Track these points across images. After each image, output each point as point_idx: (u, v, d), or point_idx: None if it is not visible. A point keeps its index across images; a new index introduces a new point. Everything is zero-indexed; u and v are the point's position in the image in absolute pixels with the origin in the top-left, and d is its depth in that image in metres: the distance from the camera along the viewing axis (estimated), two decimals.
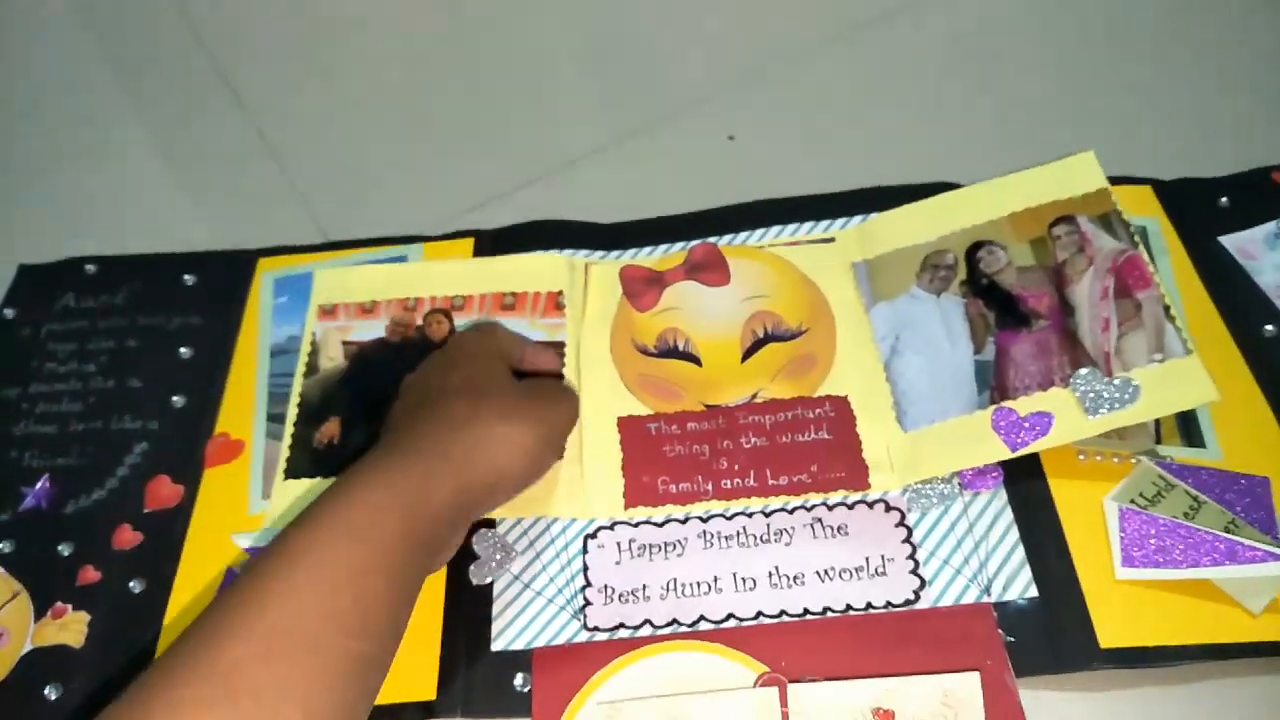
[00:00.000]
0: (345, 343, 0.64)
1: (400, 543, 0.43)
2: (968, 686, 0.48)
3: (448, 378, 0.52)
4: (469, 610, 0.53)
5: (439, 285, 0.66)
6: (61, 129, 0.84)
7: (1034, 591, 0.51)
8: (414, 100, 0.83)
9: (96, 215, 0.77)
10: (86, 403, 0.64)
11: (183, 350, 0.66)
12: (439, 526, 0.46)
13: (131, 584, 0.56)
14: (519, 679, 0.51)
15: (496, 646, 0.52)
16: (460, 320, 0.64)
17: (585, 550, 0.55)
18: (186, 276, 0.70)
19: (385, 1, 0.92)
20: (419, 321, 0.64)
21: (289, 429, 0.60)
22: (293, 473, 0.58)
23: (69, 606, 0.56)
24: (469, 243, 0.70)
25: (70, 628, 0.55)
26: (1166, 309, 0.56)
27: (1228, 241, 0.65)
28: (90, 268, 0.71)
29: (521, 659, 0.51)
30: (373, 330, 0.64)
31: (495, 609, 0.53)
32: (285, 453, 0.59)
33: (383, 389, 0.57)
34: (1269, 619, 0.49)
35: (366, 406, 0.60)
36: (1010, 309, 0.60)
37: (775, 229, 0.69)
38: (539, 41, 0.87)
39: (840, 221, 0.68)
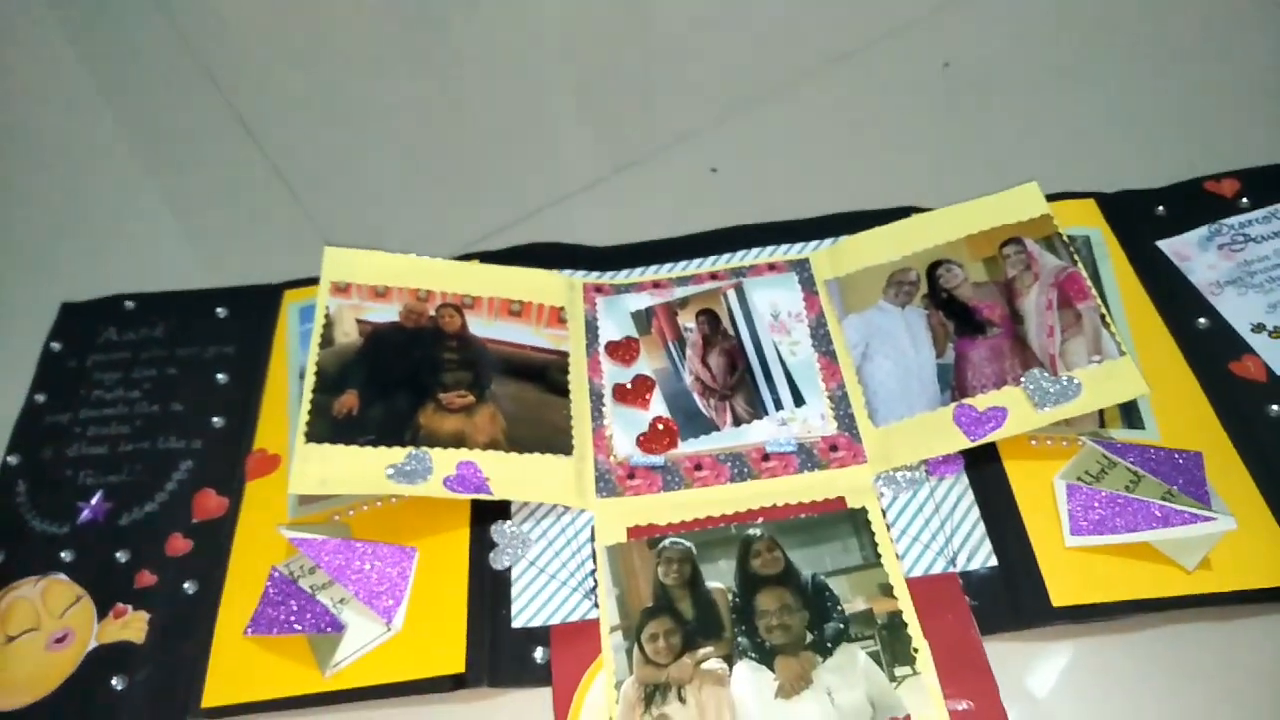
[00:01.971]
0: (359, 321, 0.68)
1: None
2: None
3: None
4: (491, 593, 0.59)
5: (451, 282, 0.71)
6: (92, 179, 0.91)
7: (994, 561, 0.58)
8: (423, 143, 0.90)
9: (131, 256, 0.84)
10: (133, 425, 0.70)
11: (219, 376, 0.73)
12: None
13: (185, 585, 0.62)
14: (539, 652, 0.57)
15: (517, 624, 0.58)
16: (471, 317, 0.69)
17: (593, 538, 0.61)
18: (219, 309, 0.77)
19: (397, 53, 1.00)
20: (431, 312, 0.69)
21: (307, 395, 0.64)
22: (314, 437, 0.62)
23: (129, 607, 0.62)
24: (474, 263, 0.76)
25: (132, 625, 0.61)
26: (1102, 317, 0.63)
27: (1164, 245, 0.72)
28: (129, 304, 0.78)
29: (540, 635, 0.57)
30: (385, 313, 0.68)
31: (515, 591, 0.59)
32: (305, 417, 0.63)
33: (398, 368, 0.63)
34: (1201, 574, 0.55)
35: (383, 384, 0.65)
36: (967, 319, 0.67)
37: (755, 251, 0.76)
38: (535, 88, 0.95)
39: (814, 244, 0.75)
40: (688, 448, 0.65)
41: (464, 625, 0.58)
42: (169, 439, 0.70)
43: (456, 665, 0.57)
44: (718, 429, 0.66)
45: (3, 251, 0.86)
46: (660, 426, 0.66)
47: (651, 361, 0.70)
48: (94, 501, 0.67)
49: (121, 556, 0.64)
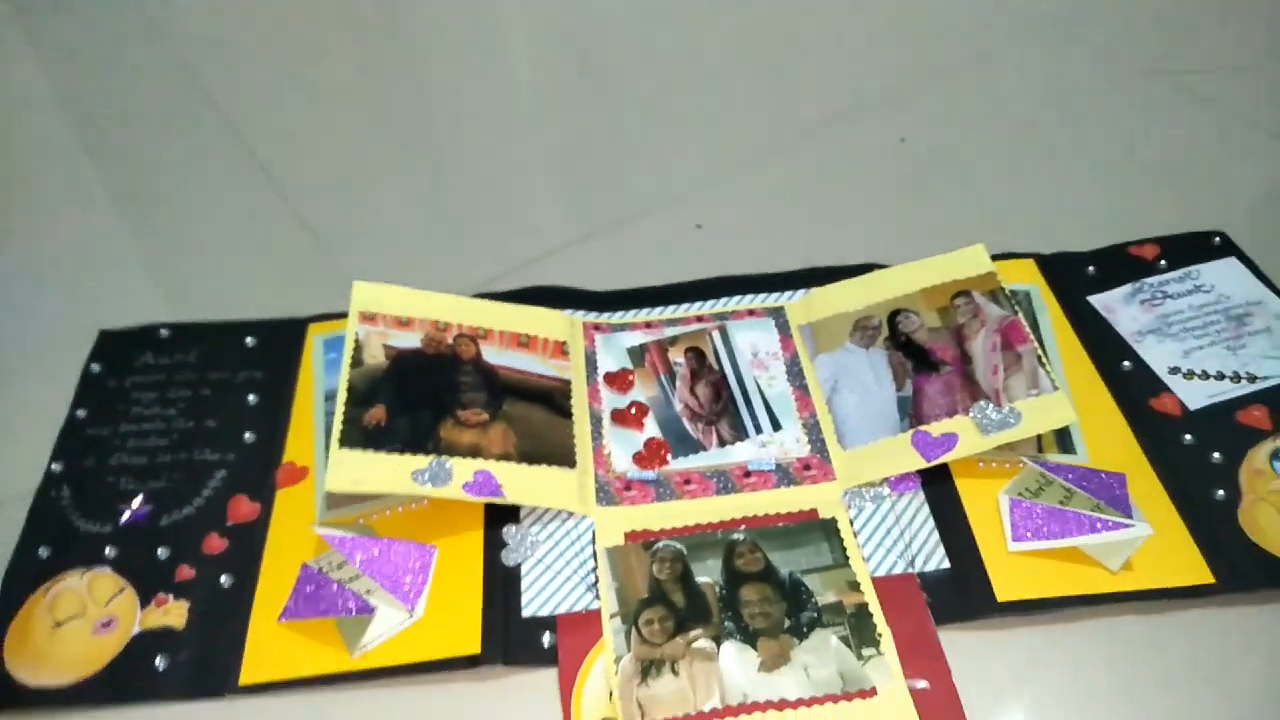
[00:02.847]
0: (385, 345, 0.75)
1: None
2: None
3: None
4: (503, 585, 0.66)
5: (466, 315, 0.79)
6: (128, 222, 0.99)
7: (947, 563, 0.66)
8: (436, 195, 1.00)
9: (164, 292, 0.91)
10: (170, 439, 0.77)
11: (250, 397, 0.80)
12: None
13: (222, 579, 0.68)
14: (546, 637, 0.64)
15: (526, 613, 0.65)
16: (485, 346, 0.77)
17: (594, 541, 0.68)
18: (248, 339, 0.84)
19: (414, 110, 1.10)
20: (449, 340, 0.77)
21: (340, 407, 0.70)
22: (347, 443, 0.69)
23: (170, 596, 0.67)
24: (486, 301, 0.84)
25: (173, 613, 0.67)
26: (1039, 358, 0.73)
27: (1094, 300, 0.82)
28: (164, 332, 0.85)
29: (547, 622, 0.64)
30: (409, 339, 0.76)
31: (524, 585, 0.66)
32: (339, 427, 0.69)
33: (420, 388, 0.72)
34: (1124, 575, 0.64)
35: (408, 400, 0.72)
36: (923, 359, 0.76)
37: (736, 298, 0.85)
38: (542, 148, 1.05)
39: (788, 294, 0.85)
40: (678, 465, 0.73)
41: (479, 613, 0.65)
42: (204, 451, 0.76)
43: (473, 647, 0.63)
44: (705, 449, 0.74)
45: (42, 282, 0.93)
46: (653, 445, 0.74)
47: (645, 390, 0.78)
48: (135, 505, 0.73)
49: (162, 553, 0.70)
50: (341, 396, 0.71)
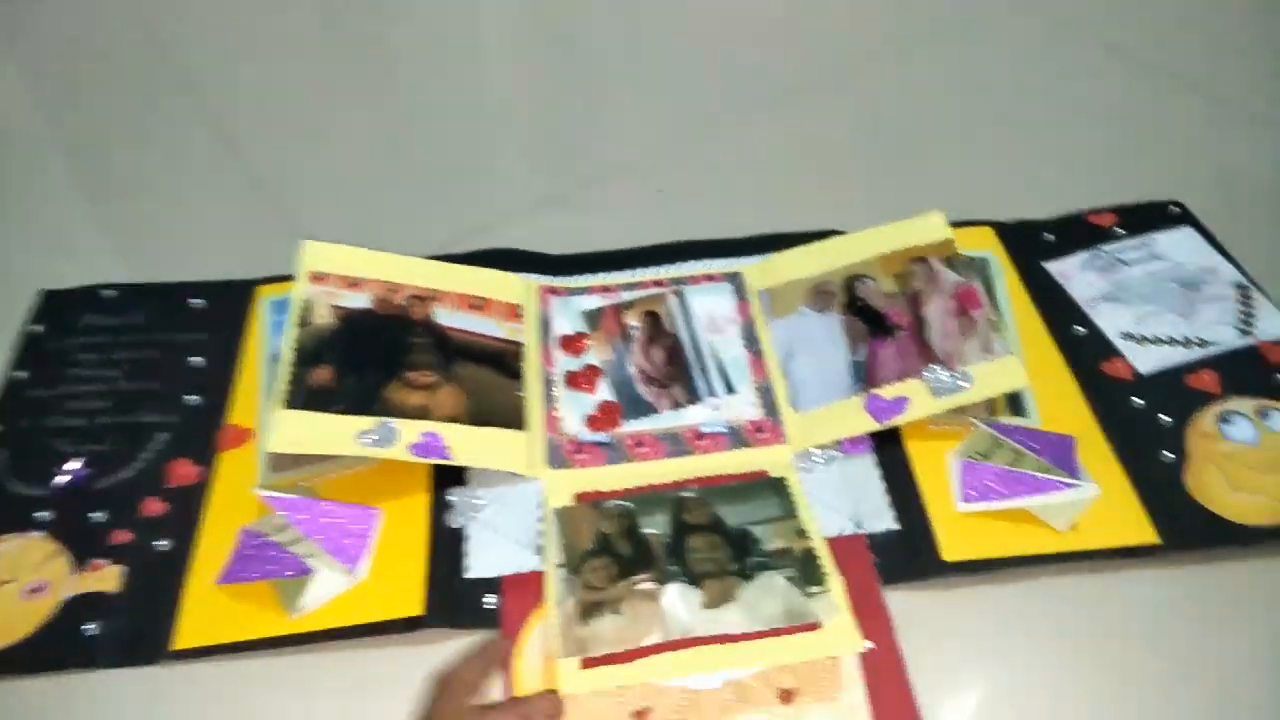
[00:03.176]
0: (334, 306, 0.73)
1: None
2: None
3: None
4: (447, 548, 0.65)
5: (418, 277, 0.77)
6: (73, 178, 0.97)
7: (895, 524, 0.66)
8: (394, 158, 0.98)
9: (114, 248, 0.89)
10: (112, 401, 0.75)
11: (194, 360, 0.78)
12: None
13: (159, 543, 0.67)
14: (489, 599, 0.63)
15: (470, 575, 0.64)
16: (437, 308, 0.75)
17: (543, 503, 0.67)
18: (195, 300, 0.82)
19: (375, 71, 1.08)
20: (400, 301, 0.75)
21: (286, 367, 0.69)
22: (291, 404, 0.67)
23: (105, 561, 0.66)
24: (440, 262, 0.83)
25: (107, 577, 0.65)
26: (993, 323, 0.73)
27: (1050, 267, 0.82)
28: (109, 293, 0.83)
29: (491, 584, 0.63)
30: (358, 300, 0.74)
31: (469, 547, 0.65)
32: (284, 387, 0.68)
33: (369, 348, 0.71)
34: (1071, 535, 0.64)
35: (356, 361, 0.71)
36: (878, 323, 0.76)
37: (694, 263, 0.84)
38: (503, 112, 1.04)
39: (746, 259, 0.84)
40: (630, 427, 0.72)
41: (423, 575, 0.64)
42: (146, 413, 0.75)
43: (415, 609, 0.62)
44: (657, 412, 0.73)
45: None
46: (606, 408, 0.73)
47: (599, 353, 0.77)
48: (72, 467, 0.71)
49: (98, 517, 0.68)
50: (287, 356, 0.70)
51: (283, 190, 0.95)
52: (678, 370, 0.76)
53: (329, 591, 0.63)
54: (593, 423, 0.72)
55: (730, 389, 0.75)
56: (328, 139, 1.01)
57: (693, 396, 0.74)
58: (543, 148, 1.01)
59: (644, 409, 0.73)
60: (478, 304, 0.78)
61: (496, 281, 0.80)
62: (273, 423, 0.66)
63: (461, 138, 1.00)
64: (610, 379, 0.75)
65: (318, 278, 0.75)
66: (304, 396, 0.68)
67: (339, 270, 0.75)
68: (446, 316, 0.76)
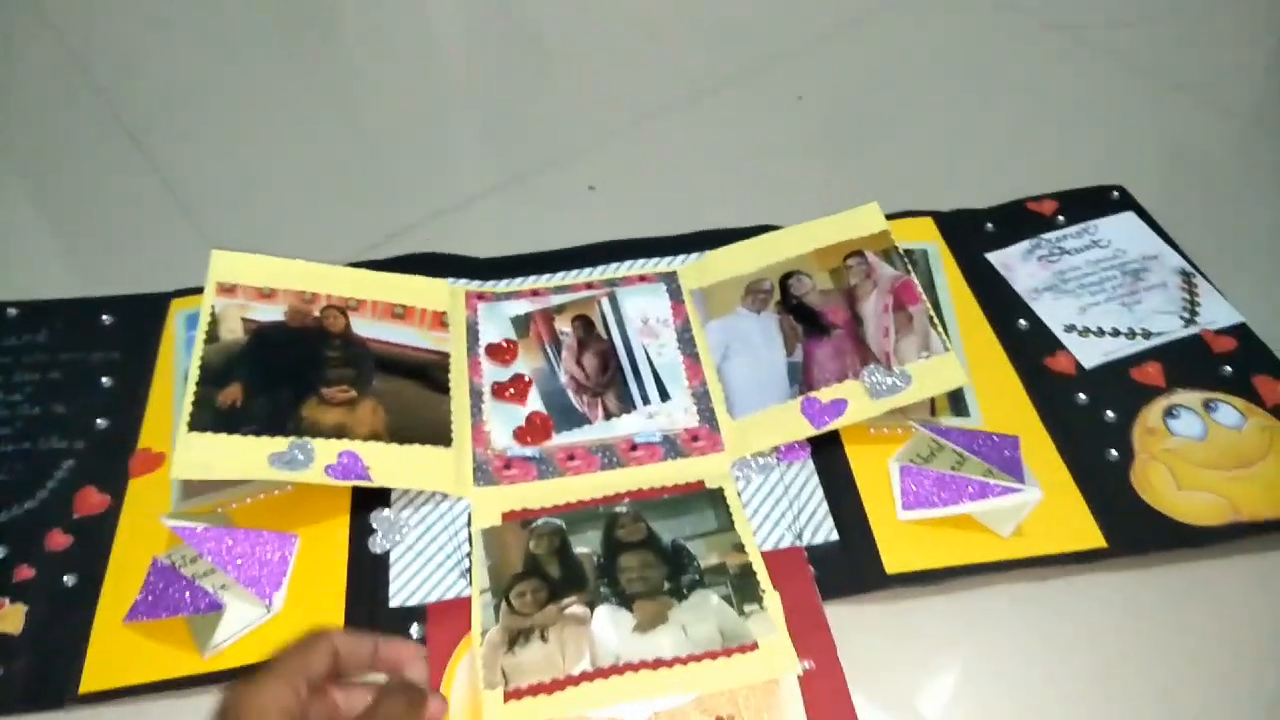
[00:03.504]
0: (245, 319, 0.70)
1: None
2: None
3: None
4: (369, 575, 0.62)
5: (336, 285, 0.74)
6: None
7: (835, 535, 0.63)
8: (311, 157, 0.94)
9: (15, 266, 0.84)
10: (14, 427, 0.71)
11: (104, 380, 0.74)
12: None
13: (65, 578, 0.63)
14: (414, 628, 0.60)
15: (394, 603, 0.61)
16: (356, 319, 0.72)
17: (470, 523, 0.65)
18: (104, 317, 0.78)
19: (287, 68, 1.03)
20: (316, 313, 0.71)
21: (191, 387, 0.66)
22: (197, 426, 0.63)
23: (6, 600, 0.62)
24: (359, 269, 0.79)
25: (8, 618, 0.61)
26: (931, 318, 0.71)
27: (992, 258, 0.80)
28: (11, 311, 0.79)
29: (416, 612, 0.60)
30: (271, 313, 0.71)
31: (393, 573, 0.62)
32: (188, 409, 0.64)
33: (282, 364, 0.67)
34: (1015, 541, 0.62)
35: (267, 378, 0.67)
36: (814, 322, 0.74)
37: (627, 263, 0.81)
38: (423, 106, 1.00)
39: (681, 257, 0.81)
40: (562, 440, 0.69)
41: (343, 605, 0.61)
42: (50, 439, 0.71)
43: None
44: (590, 422, 0.70)
45: None
46: (536, 420, 0.70)
47: (529, 362, 0.74)
48: None
49: None
50: (193, 375, 0.66)
51: (198, 195, 0.90)
52: (610, 378, 0.73)
53: (243, 626, 0.60)
54: (521, 436, 0.69)
55: (665, 395, 0.72)
56: (244, 139, 0.97)
57: (626, 404, 0.71)
58: (467, 145, 0.97)
59: (576, 420, 0.71)
60: (400, 313, 0.74)
61: (420, 288, 0.76)
62: (177, 448, 0.63)
63: (380, 136, 0.96)
64: (540, 389, 0.72)
65: (226, 289, 0.71)
66: (212, 418, 0.64)
67: (250, 281, 0.72)
68: (366, 327, 0.72)
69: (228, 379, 0.67)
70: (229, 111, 1.00)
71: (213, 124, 0.98)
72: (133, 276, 0.82)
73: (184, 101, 1.01)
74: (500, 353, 0.74)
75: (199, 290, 0.78)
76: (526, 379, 0.73)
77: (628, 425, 0.70)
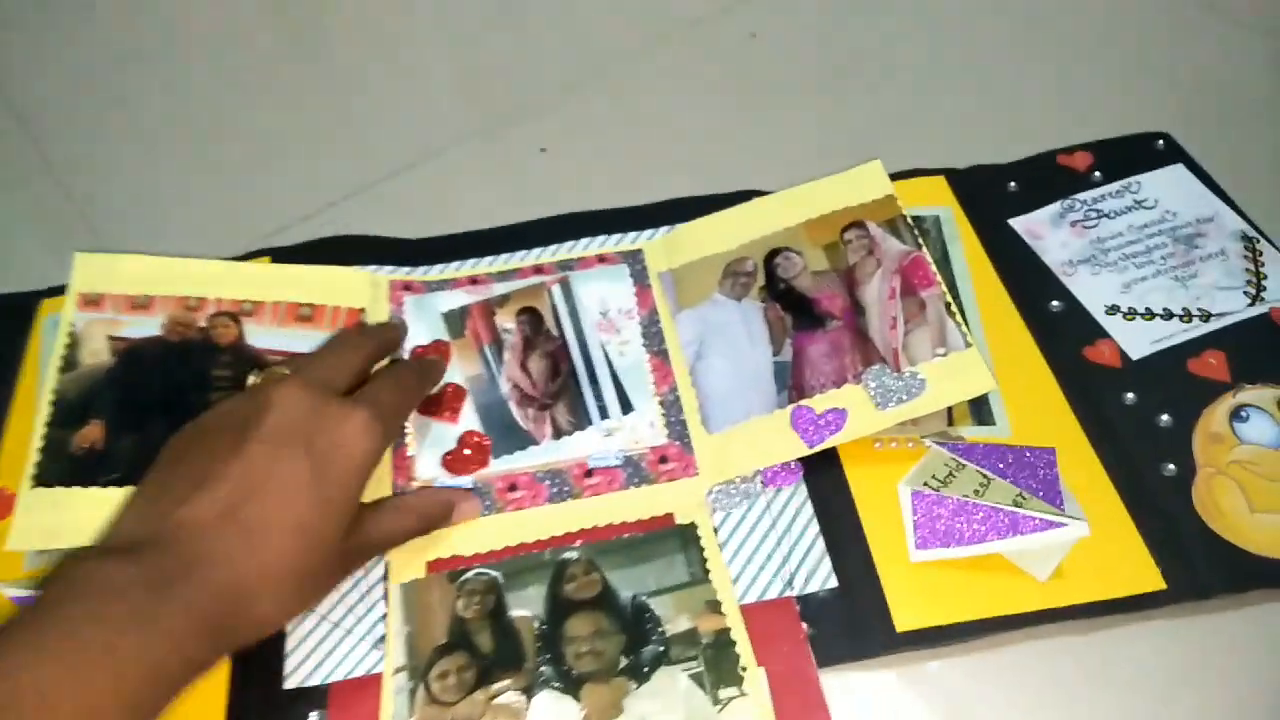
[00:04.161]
0: (113, 338, 0.59)
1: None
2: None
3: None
4: (259, 648, 0.50)
5: (227, 287, 0.62)
6: None
7: (834, 582, 0.52)
8: (208, 121, 0.81)
9: None
10: None
11: None
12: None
13: None
14: (313, 717, 0.48)
15: (289, 684, 0.49)
16: (250, 325, 0.61)
17: (386, 576, 0.53)
18: None
19: (182, 26, 0.89)
20: (202, 323, 0.60)
21: (39, 429, 0.55)
22: (43, 480, 0.53)
23: None
24: (265, 261, 0.67)
25: None
26: (948, 305, 0.58)
27: (1017, 224, 0.68)
28: None
29: (317, 695, 0.49)
30: (147, 327, 0.59)
31: (289, 645, 0.51)
32: (35, 456, 0.54)
33: (156, 391, 0.55)
34: (1055, 585, 0.50)
35: (137, 410, 0.56)
36: (806, 311, 0.61)
37: (584, 241, 0.68)
38: (340, 56, 0.86)
39: (648, 233, 0.69)
40: (501, 466, 0.57)
41: (225, 687, 0.49)
42: None
43: None
44: (535, 443, 0.58)
45: None
46: (470, 442, 0.58)
47: (464, 368, 0.62)
48: None
49: None
50: (42, 415, 0.55)
51: (75, 177, 0.77)
52: (561, 385, 0.61)
53: None
54: (452, 464, 0.57)
55: (626, 406, 0.60)
56: (132, 99, 0.82)
57: (580, 420, 0.59)
58: (396, 104, 0.82)
59: (518, 440, 0.59)
60: (307, 314, 0.62)
61: (333, 281, 0.64)
62: (17, 509, 0.51)
63: (296, 97, 0.82)
64: (476, 402, 0.60)
65: (91, 301, 0.59)
66: (63, 467, 0.53)
67: (121, 288, 0.60)
68: (263, 336, 0.60)
69: (85, 415, 0.55)
70: (118, 79, 0.85)
71: (100, 90, 0.84)
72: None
73: (66, 68, 0.86)
74: (426, 354, 0.62)
75: None
76: (460, 389, 0.61)
77: (581, 445, 0.58)
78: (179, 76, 0.84)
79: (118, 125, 0.80)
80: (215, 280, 0.62)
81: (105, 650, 0.37)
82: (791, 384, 0.58)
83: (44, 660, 0.36)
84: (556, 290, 0.65)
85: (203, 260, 0.63)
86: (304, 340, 0.61)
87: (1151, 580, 0.50)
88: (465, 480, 0.57)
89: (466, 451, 0.57)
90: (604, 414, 0.59)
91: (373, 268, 0.66)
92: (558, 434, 0.59)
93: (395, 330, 0.61)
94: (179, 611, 0.39)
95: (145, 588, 0.39)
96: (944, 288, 0.59)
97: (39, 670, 0.36)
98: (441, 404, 0.60)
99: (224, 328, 0.60)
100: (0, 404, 0.61)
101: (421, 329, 0.64)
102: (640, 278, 0.66)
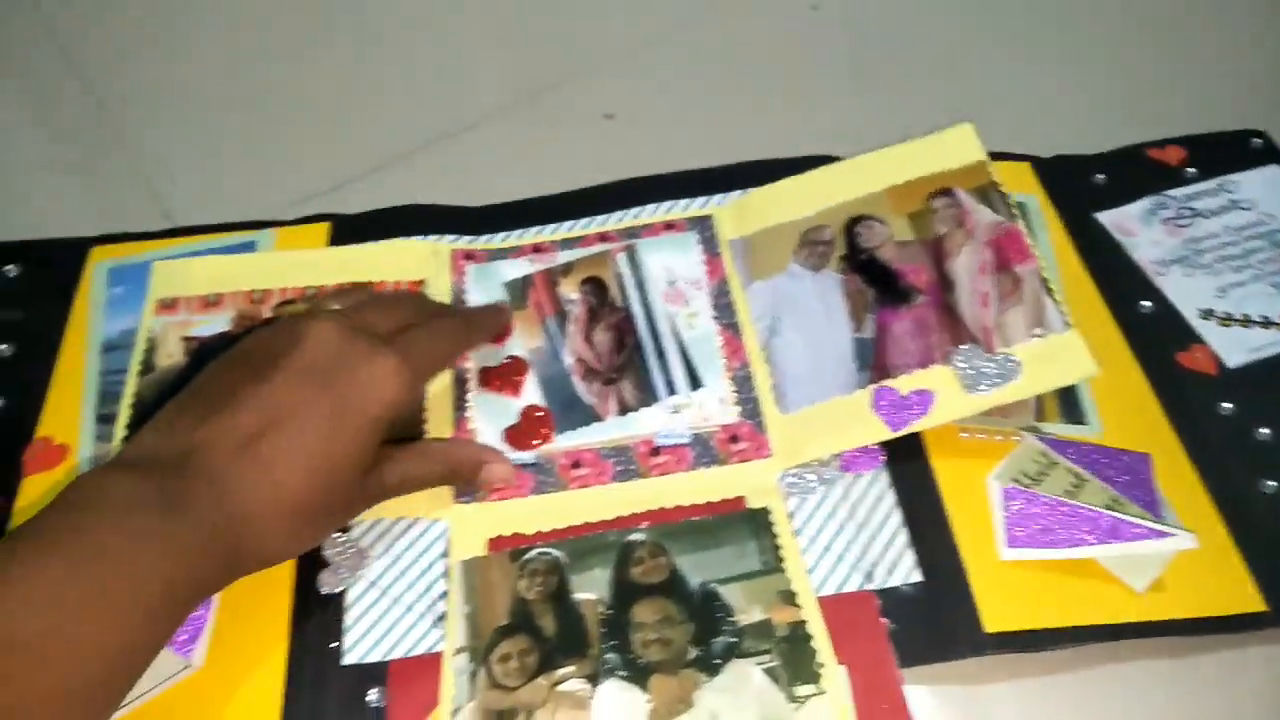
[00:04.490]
0: (186, 338, 0.59)
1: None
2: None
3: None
4: (318, 623, 0.49)
5: (289, 275, 0.61)
6: None
7: (918, 576, 0.49)
8: (269, 70, 0.78)
9: None
10: None
11: (2, 347, 0.60)
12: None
13: None
14: (373, 694, 0.46)
15: (348, 661, 0.47)
16: None
17: (446, 553, 0.51)
18: (8, 267, 0.64)
19: None
20: (266, 314, 0.59)
21: (119, 432, 0.55)
22: None
23: None
24: (324, 228, 0.65)
25: None
26: (1045, 283, 0.55)
27: (1105, 218, 0.64)
28: None
29: (376, 672, 0.47)
30: (217, 325, 0.59)
31: (348, 620, 0.49)
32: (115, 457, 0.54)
33: None
34: (1152, 598, 0.48)
35: None
36: (889, 284, 0.58)
37: (650, 207, 0.66)
38: (403, 10, 0.82)
39: (717, 198, 0.66)
40: (564, 442, 0.55)
41: (284, 662, 0.47)
42: None
43: (271, 713, 0.46)
44: (600, 419, 0.56)
45: None
46: (533, 416, 0.56)
47: (526, 340, 0.59)
48: None
49: None
50: (122, 418, 0.55)
51: (134, 116, 0.74)
52: (627, 359, 0.58)
53: (154, 684, 0.47)
54: (515, 438, 0.55)
55: (696, 382, 0.57)
56: (188, 61, 0.79)
57: (647, 395, 0.57)
58: (458, 65, 0.79)
59: (582, 415, 0.56)
60: None
61: (394, 255, 0.62)
62: None
63: (346, 49, 0.79)
64: (539, 375, 0.58)
65: (166, 306, 0.59)
66: None
67: (193, 290, 0.60)
68: None
69: None
70: (172, 20, 0.82)
71: (153, 33, 0.81)
72: (50, 211, 0.68)
73: (121, 6, 0.83)
74: None
75: (125, 237, 0.65)
76: (523, 362, 0.58)
77: (648, 422, 0.56)
78: (238, 30, 0.81)
79: (175, 80, 0.77)
80: (279, 270, 0.61)
81: (126, 559, 0.37)
82: (873, 363, 0.55)
83: (59, 564, 0.36)
84: (622, 259, 0.63)
85: (267, 253, 0.62)
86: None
87: (1251, 600, 0.48)
88: (527, 455, 0.54)
89: (531, 421, 0.55)
90: (671, 390, 0.57)
91: (434, 237, 0.64)
92: (623, 410, 0.56)
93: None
94: (189, 532, 0.39)
95: (160, 505, 0.38)
96: (1042, 263, 0.56)
97: (54, 573, 0.36)
98: (503, 377, 0.57)
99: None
100: (51, 350, 0.60)
101: (482, 298, 0.61)
102: (710, 245, 0.63)
